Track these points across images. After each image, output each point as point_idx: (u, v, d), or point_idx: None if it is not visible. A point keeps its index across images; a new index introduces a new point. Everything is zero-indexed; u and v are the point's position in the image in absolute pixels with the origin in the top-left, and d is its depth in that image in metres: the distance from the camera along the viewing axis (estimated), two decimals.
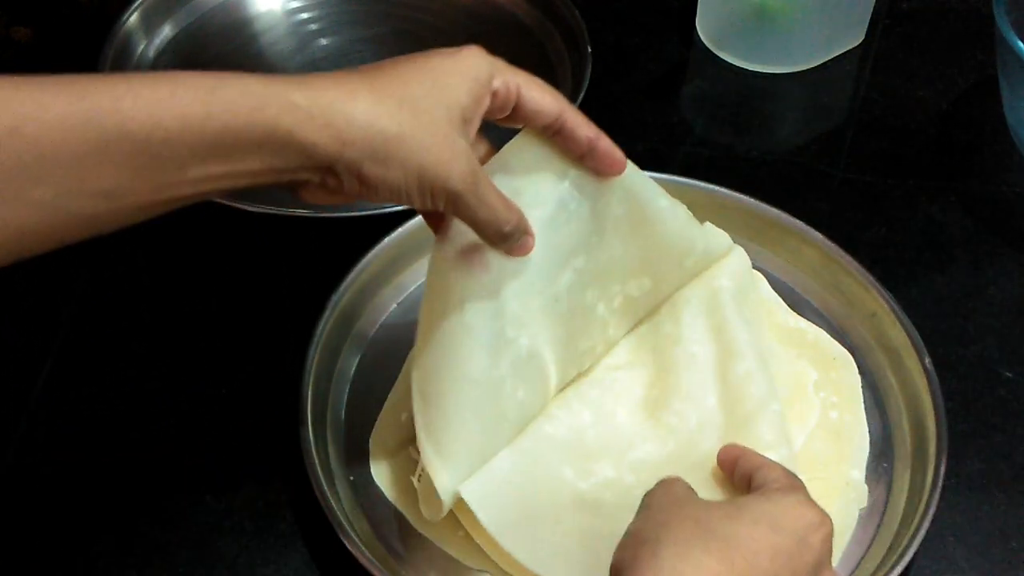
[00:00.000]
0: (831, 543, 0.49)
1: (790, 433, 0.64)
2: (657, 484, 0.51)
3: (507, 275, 0.57)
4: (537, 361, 0.61)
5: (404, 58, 0.51)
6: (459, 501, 0.60)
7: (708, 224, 0.67)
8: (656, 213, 0.62)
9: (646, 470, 0.62)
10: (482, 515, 0.58)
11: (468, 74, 0.50)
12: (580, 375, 0.66)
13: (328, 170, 0.48)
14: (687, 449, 0.63)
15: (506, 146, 0.56)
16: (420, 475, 0.63)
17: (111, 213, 0.45)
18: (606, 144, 0.57)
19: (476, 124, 0.52)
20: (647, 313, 0.68)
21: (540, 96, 0.53)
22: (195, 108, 0.44)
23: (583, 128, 0.55)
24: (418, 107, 0.48)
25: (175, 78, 0.45)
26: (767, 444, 0.61)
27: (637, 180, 0.60)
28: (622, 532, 0.49)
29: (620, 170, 0.58)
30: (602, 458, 0.63)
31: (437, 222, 0.57)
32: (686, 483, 0.51)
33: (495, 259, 0.56)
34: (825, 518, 0.49)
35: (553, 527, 0.59)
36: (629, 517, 0.50)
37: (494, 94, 0.51)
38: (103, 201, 0.44)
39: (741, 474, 0.56)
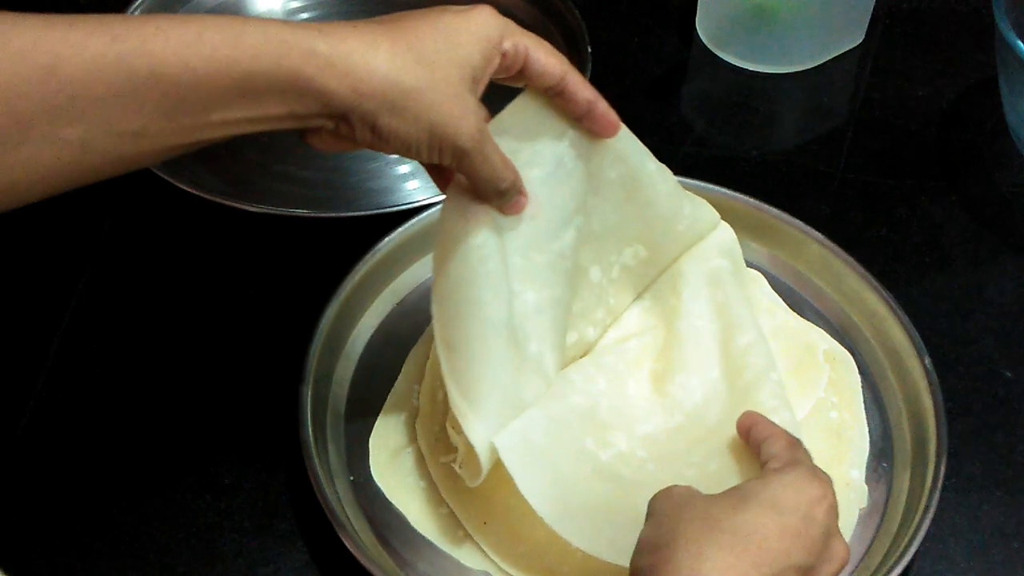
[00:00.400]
0: (836, 512, 0.50)
1: (790, 399, 0.64)
2: (658, 493, 0.52)
3: (510, 229, 0.59)
4: (542, 318, 0.61)
5: (418, 13, 0.52)
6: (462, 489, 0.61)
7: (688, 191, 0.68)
8: (646, 177, 0.64)
9: (655, 446, 0.63)
10: (516, 472, 0.58)
11: (480, 34, 0.52)
12: (592, 344, 0.67)
13: (343, 118, 0.49)
14: (693, 422, 0.63)
15: (508, 106, 0.57)
16: (457, 447, 0.63)
17: (137, 153, 0.46)
18: (603, 106, 0.58)
19: (485, 82, 0.53)
20: (648, 283, 0.69)
21: (546, 58, 0.55)
22: (222, 52, 0.45)
23: (583, 91, 0.57)
24: (433, 63, 0.50)
25: (202, 21, 0.46)
26: (769, 410, 0.62)
27: (628, 144, 0.62)
28: (639, 506, 0.51)
29: (615, 132, 0.60)
30: (616, 429, 0.63)
31: (441, 176, 0.59)
32: (685, 486, 0.52)
33: (500, 215, 0.58)
34: (826, 489, 0.50)
35: (579, 495, 0.60)
36: (645, 493, 0.51)
37: (504, 55, 0.53)
38: (130, 141, 0.45)
39: (754, 443, 0.57)
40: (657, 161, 0.64)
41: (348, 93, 0.48)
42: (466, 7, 0.53)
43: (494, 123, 0.57)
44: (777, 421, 0.59)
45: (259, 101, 0.47)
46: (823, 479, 0.51)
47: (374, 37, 0.49)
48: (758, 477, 0.52)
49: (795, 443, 0.55)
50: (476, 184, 0.55)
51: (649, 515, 0.50)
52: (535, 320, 0.61)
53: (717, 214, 0.69)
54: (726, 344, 0.66)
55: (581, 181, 0.61)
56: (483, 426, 0.58)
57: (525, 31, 0.54)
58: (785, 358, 0.69)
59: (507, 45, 0.53)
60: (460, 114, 0.51)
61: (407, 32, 0.50)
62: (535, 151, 0.58)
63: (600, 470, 0.61)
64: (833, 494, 0.50)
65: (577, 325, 0.66)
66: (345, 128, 0.50)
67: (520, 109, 0.58)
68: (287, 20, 0.48)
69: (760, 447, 0.56)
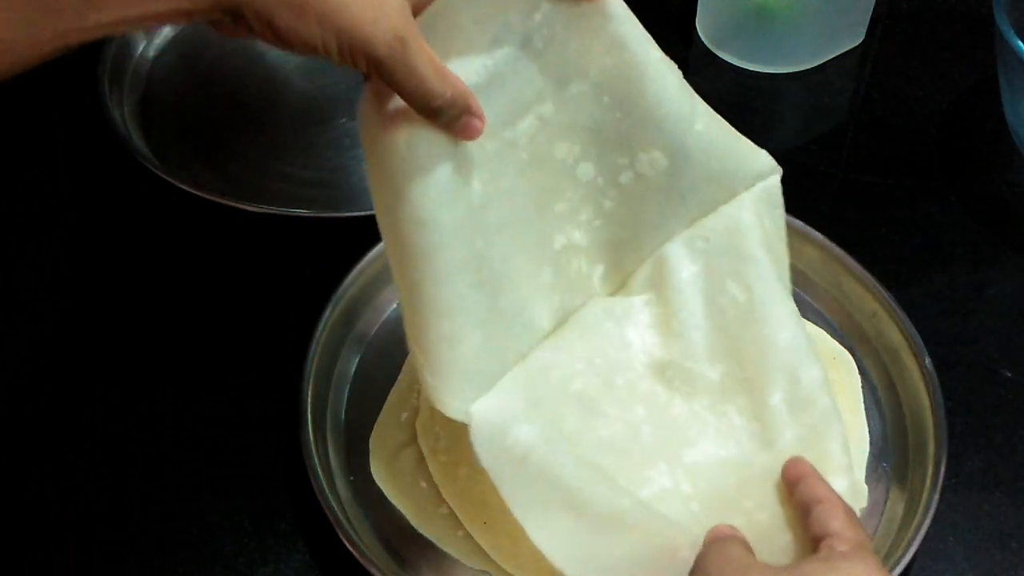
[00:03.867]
0: None
1: (855, 457, 0.60)
2: (711, 544, 0.49)
3: None
4: (494, 210, 0.54)
5: None
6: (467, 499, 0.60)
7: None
8: (652, 68, 0.55)
9: (703, 478, 0.57)
10: (503, 488, 0.54)
11: None
12: (581, 249, 0.60)
13: (235, 14, 0.43)
14: (747, 456, 0.58)
15: None
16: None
17: (8, 63, 0.42)
18: None
19: None
20: (680, 213, 0.61)
21: None
22: None
23: None
24: None
25: None
26: (834, 468, 0.56)
27: (627, 27, 0.54)
28: (676, 549, 0.48)
29: None
30: (657, 461, 0.58)
31: None
32: (741, 545, 0.48)
33: None
34: None
35: (607, 533, 0.54)
36: (684, 538, 0.49)
37: None
38: None
39: (801, 501, 0.52)
40: (661, 51, 0.56)
41: None
42: None
43: None
44: (839, 486, 0.54)
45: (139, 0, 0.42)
46: (886, 572, 0.46)
47: None
48: (821, 557, 0.47)
49: (855, 518, 0.50)
50: (404, 99, 0.47)
51: (699, 572, 0.47)
52: (481, 213, 0.53)
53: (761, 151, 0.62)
54: (793, 371, 0.58)
55: (554, 65, 0.53)
56: (456, 399, 0.54)
57: None
58: None
59: None
60: (374, 17, 0.43)
61: None
62: (501, 27, 0.51)
63: (637, 502, 0.54)
64: None
65: (563, 228, 0.59)
66: (244, 25, 0.44)
67: None
68: None
69: (811, 511, 0.50)
